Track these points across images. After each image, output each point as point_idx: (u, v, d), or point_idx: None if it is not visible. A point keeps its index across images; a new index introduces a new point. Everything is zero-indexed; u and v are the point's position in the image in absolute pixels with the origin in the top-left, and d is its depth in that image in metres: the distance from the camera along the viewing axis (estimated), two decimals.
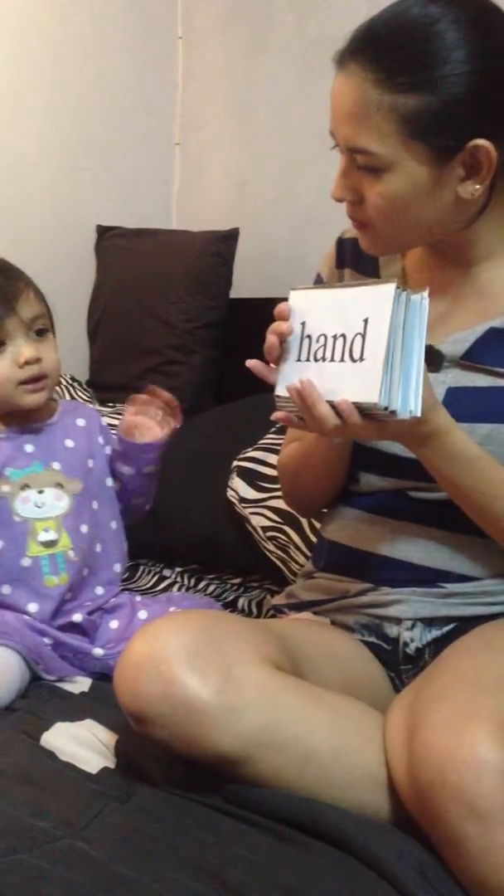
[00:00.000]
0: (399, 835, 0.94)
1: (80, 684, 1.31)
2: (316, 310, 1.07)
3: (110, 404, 2.30)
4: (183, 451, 2.05)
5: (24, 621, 1.33)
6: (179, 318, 2.39)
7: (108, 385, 2.46)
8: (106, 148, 2.63)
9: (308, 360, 1.06)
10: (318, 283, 1.34)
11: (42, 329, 1.37)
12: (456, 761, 0.87)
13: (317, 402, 1.02)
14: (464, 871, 0.88)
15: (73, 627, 1.37)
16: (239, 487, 1.81)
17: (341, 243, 1.32)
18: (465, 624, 1.18)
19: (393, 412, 0.99)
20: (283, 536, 1.72)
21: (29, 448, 1.39)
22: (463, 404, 1.14)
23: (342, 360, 1.02)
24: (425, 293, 1.01)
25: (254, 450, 1.86)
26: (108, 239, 2.60)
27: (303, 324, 1.07)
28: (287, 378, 1.07)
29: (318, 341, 1.05)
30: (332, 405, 1.02)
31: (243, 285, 2.43)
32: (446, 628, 1.19)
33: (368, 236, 1.17)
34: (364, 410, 1.01)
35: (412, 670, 1.20)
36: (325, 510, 1.37)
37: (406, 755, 0.94)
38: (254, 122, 2.56)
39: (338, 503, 1.31)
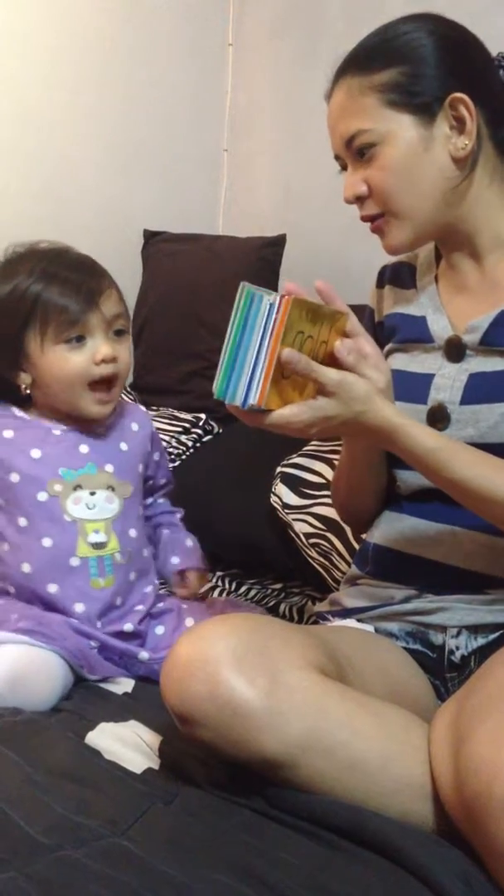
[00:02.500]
0: (444, 844, 0.93)
1: (124, 685, 1.32)
2: None
3: (154, 407, 2.31)
4: (226, 455, 2.06)
5: (70, 624, 1.33)
6: (225, 324, 2.39)
7: (152, 388, 2.48)
8: (155, 153, 2.65)
9: None
10: (370, 315, 1.37)
11: (121, 330, 1.38)
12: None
13: None
14: None
15: (122, 633, 1.37)
16: (282, 493, 1.81)
17: (383, 269, 1.38)
18: None
19: (235, 404, 1.03)
20: (326, 543, 1.72)
21: (84, 449, 1.39)
22: (482, 388, 1.19)
23: None
24: (274, 298, 1.01)
25: (298, 456, 1.86)
26: (155, 244, 2.62)
27: None
28: None
29: None
30: None
31: None
32: (492, 636, 1.19)
33: (386, 228, 1.21)
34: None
35: (458, 678, 1.20)
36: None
37: (452, 767, 0.94)
38: (301, 129, 2.56)
39: (385, 508, 1.32)
